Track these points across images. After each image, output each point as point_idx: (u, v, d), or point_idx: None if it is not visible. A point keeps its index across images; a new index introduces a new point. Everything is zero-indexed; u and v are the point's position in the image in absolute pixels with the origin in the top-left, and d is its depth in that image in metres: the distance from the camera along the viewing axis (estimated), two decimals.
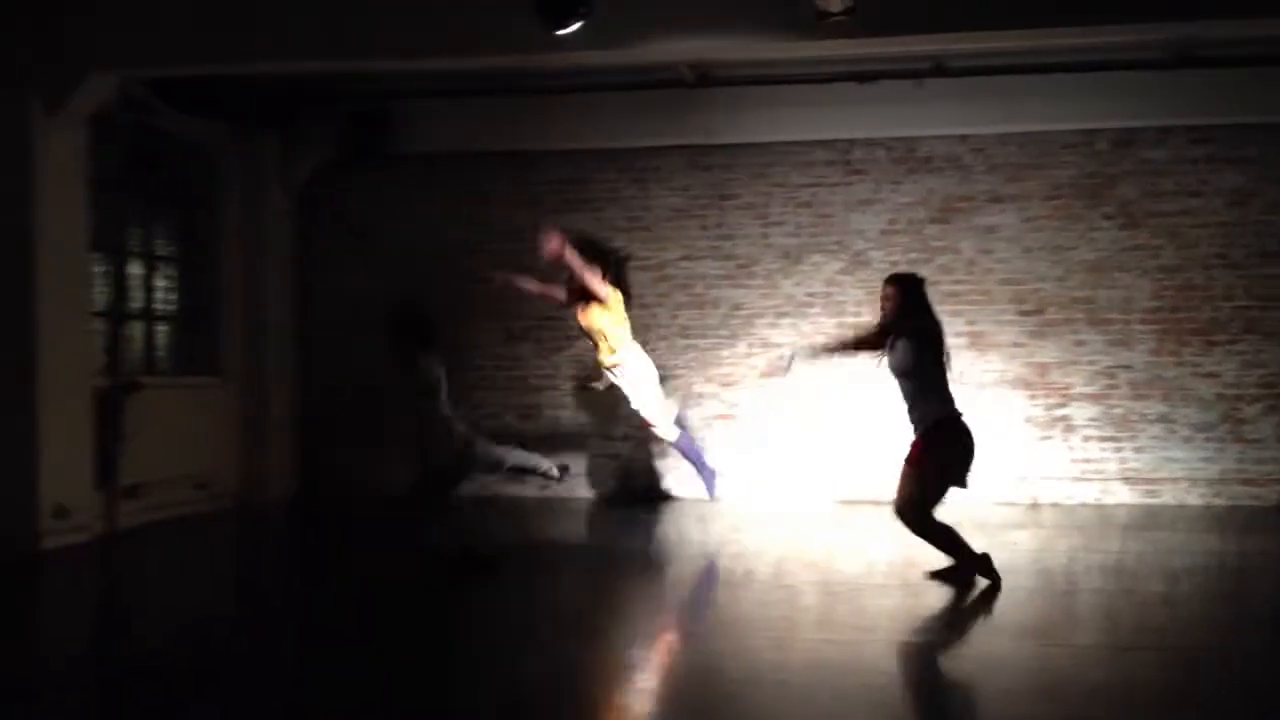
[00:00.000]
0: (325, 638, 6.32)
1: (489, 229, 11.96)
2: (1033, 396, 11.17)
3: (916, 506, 6.92)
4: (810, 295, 11.55)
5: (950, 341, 7.22)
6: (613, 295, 9.70)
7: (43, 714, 5.16)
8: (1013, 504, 10.90)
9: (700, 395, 11.65)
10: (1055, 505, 10.90)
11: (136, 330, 10.53)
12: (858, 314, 11.43)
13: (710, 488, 10.15)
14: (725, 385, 11.65)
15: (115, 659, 6.19)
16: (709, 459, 10.33)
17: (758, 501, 11.14)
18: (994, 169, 11.29)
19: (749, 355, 11.57)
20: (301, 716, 5.05)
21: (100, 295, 9.78)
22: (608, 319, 9.73)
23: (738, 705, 4.99)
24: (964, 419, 7.07)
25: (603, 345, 9.84)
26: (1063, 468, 11.09)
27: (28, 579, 8.07)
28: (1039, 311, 11.20)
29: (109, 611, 7.59)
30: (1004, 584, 7.10)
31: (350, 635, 6.25)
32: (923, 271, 11.15)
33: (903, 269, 11.11)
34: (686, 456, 10.25)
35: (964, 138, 11.29)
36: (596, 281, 9.54)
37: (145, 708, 5.13)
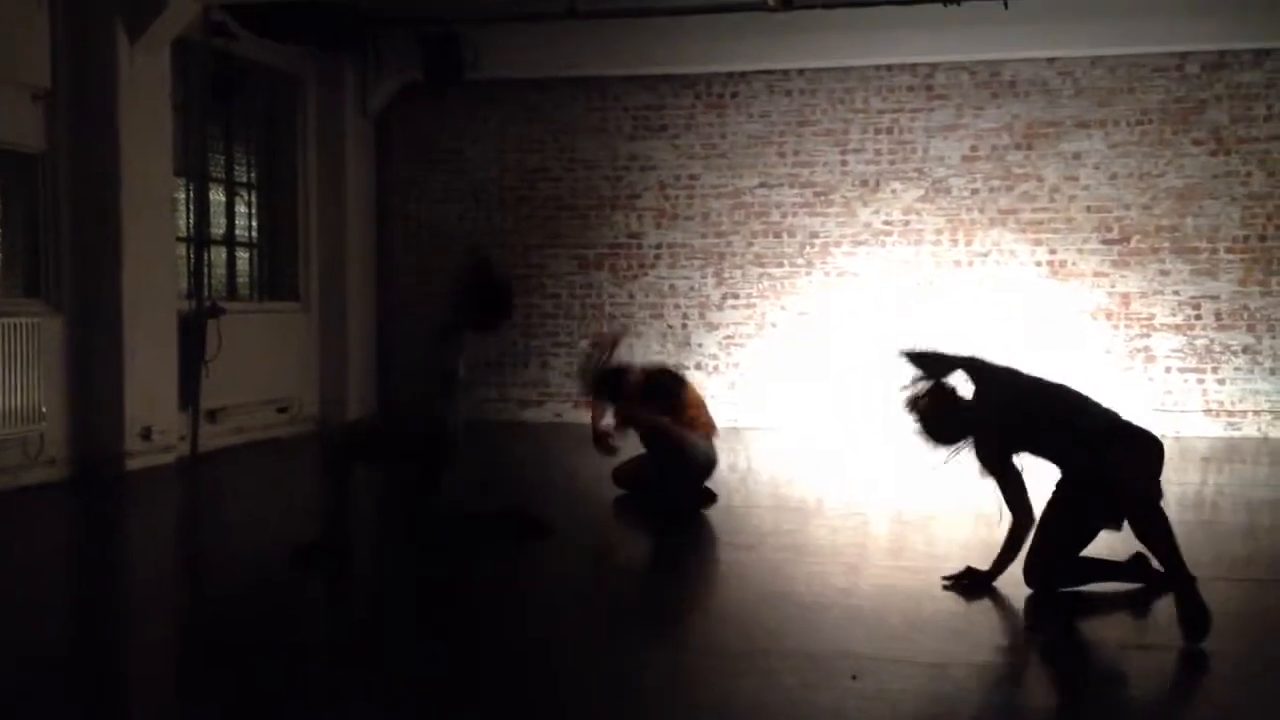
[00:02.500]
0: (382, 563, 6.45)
1: (565, 155, 11.98)
2: (1114, 327, 10.99)
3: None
4: (888, 224, 11.42)
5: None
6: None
7: (129, 629, 5.35)
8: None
9: (774, 324, 11.61)
10: None
11: (219, 256, 10.70)
12: (936, 242, 11.29)
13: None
14: (801, 315, 11.59)
15: (191, 577, 6.38)
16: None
17: (827, 434, 11.12)
18: (1081, 93, 11.03)
19: (825, 284, 11.50)
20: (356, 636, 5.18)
21: (183, 221, 9.94)
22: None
23: (807, 628, 5.02)
24: None
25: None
26: (1144, 399, 10.91)
27: (115, 497, 8.31)
28: (1123, 240, 10.98)
29: (186, 530, 7.80)
30: None
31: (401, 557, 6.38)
32: (1003, 200, 11.12)
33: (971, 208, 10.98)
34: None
35: (1051, 61, 11.03)
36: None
37: (222, 623, 5.29)
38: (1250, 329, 10.75)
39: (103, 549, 7.07)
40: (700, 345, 11.77)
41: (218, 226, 10.63)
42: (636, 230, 11.92)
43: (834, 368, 11.42)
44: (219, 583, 6.13)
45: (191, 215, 9.98)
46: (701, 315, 11.78)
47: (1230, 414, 10.78)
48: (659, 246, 11.88)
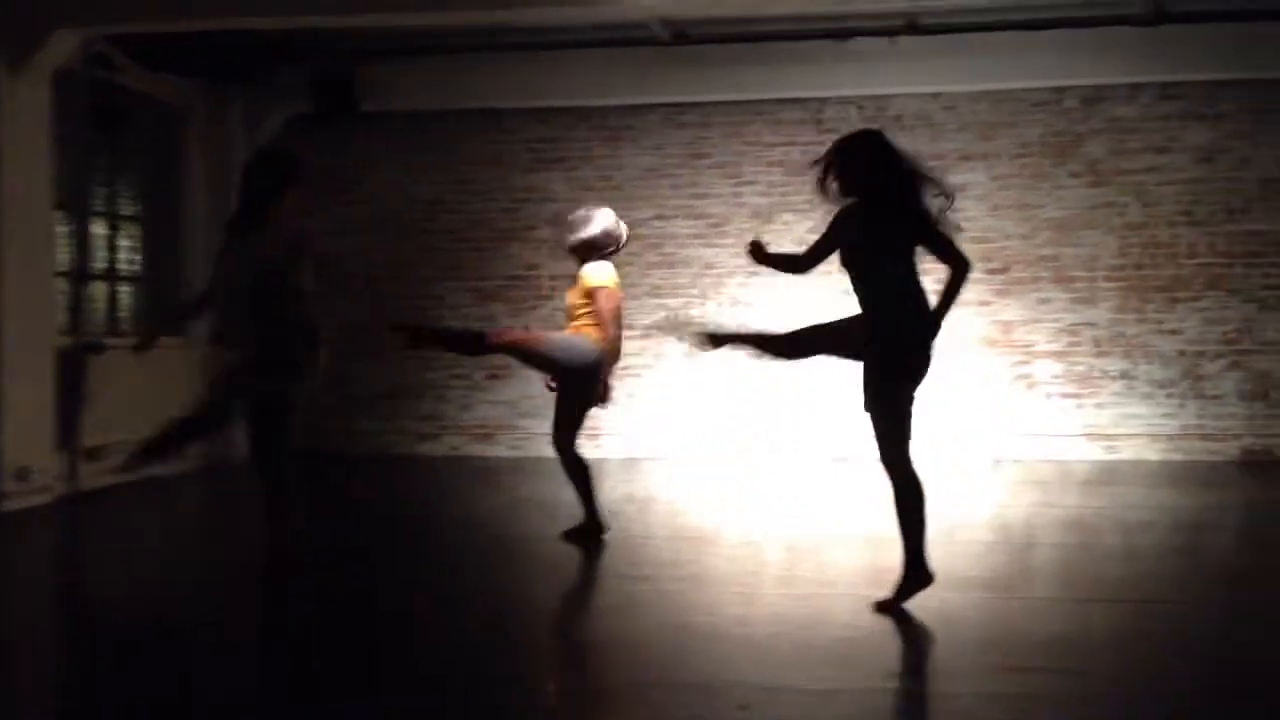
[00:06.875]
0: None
1: (459, 187, 11.95)
2: (996, 354, 11.25)
3: None
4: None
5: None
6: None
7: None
8: (974, 461, 10.99)
9: (669, 355, 11.67)
10: (1016, 462, 11.00)
11: (100, 290, 10.46)
12: (827, 272, 11.41)
13: None
14: None
15: (67, 621, 6.22)
16: None
17: (723, 462, 11.20)
18: (964, 127, 11.31)
19: (719, 315, 11.60)
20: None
21: (63, 255, 9.71)
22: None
23: (701, 658, 5.05)
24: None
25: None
26: (1024, 425, 11.18)
27: None
28: (1004, 270, 11.26)
29: (63, 574, 7.60)
30: (964, 538, 7.18)
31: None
32: None
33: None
34: None
35: (936, 95, 11.30)
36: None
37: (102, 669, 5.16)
38: (1126, 355, 11.09)
39: None
40: None
41: (99, 260, 10.40)
42: (533, 262, 11.92)
43: (734, 395, 11.50)
44: (105, 618, 5.98)
45: (72, 249, 9.75)
46: None
47: (1108, 438, 11.09)
48: (555, 278, 11.87)
